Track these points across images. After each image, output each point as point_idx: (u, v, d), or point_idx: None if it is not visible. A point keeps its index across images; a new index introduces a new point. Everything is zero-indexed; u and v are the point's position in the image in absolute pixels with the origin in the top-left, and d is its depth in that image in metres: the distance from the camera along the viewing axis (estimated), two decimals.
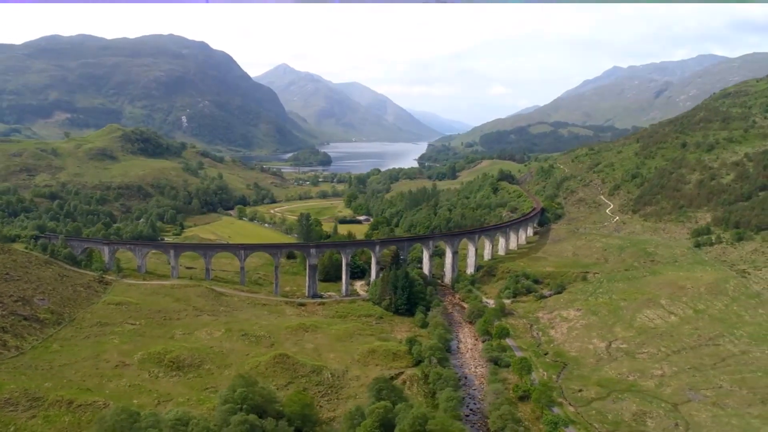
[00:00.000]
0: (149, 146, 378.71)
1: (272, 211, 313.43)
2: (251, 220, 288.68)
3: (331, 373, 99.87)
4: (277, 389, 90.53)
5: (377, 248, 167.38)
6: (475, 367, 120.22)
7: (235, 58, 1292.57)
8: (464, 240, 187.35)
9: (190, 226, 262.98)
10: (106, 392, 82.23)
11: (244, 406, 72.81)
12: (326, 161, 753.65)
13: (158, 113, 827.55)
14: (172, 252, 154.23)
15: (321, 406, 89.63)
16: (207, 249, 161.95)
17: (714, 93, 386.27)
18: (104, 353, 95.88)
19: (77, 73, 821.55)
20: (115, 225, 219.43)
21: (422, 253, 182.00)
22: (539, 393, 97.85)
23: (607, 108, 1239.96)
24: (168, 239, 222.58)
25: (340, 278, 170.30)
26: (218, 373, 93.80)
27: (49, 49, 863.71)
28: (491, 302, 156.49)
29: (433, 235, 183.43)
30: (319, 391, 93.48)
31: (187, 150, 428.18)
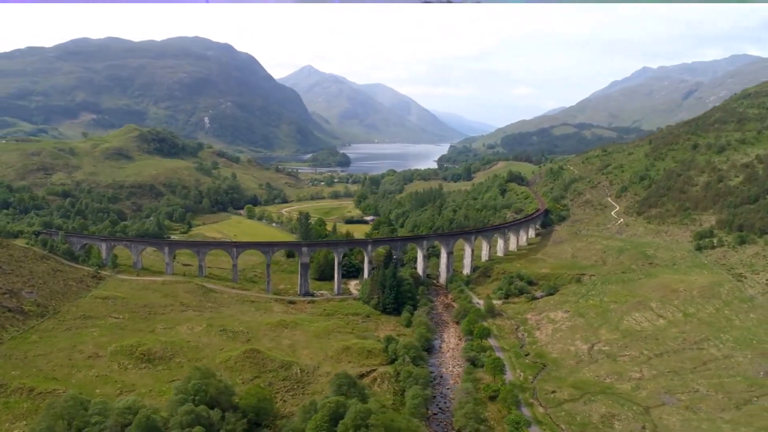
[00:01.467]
0: (165, 146, 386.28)
1: (282, 211, 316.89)
2: (259, 219, 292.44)
3: (300, 369, 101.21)
4: (243, 383, 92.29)
5: (369, 247, 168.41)
6: (453, 367, 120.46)
7: (259, 59, 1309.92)
8: (461, 241, 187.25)
9: (199, 225, 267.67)
10: (72, 382, 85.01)
11: (197, 398, 74.54)
12: (345, 162, 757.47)
13: (181, 114, 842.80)
14: (166, 249, 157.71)
15: (285, 401, 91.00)
16: (200, 246, 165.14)
17: (735, 94, 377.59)
18: (80, 345, 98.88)
19: (103, 75, 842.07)
20: (122, 223, 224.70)
21: (417, 253, 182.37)
22: (506, 393, 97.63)
23: (634, 109, 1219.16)
24: (174, 237, 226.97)
25: (329, 277, 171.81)
26: (188, 366, 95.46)
27: (77, 51, 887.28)
28: (481, 303, 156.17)
29: (428, 236, 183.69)
30: (284, 386, 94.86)
31: (203, 150, 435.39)
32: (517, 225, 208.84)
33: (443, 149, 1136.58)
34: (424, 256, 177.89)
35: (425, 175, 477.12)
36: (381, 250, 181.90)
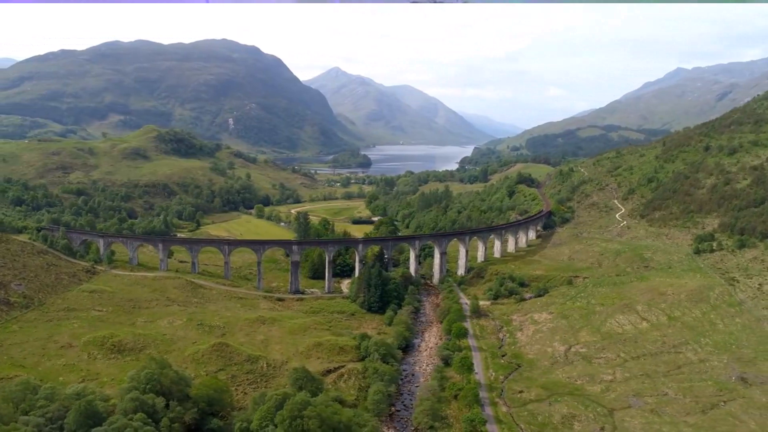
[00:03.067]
0: (182, 146, 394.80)
1: (291, 211, 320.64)
2: (268, 219, 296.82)
3: (267, 363, 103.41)
4: (207, 375, 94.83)
5: (360, 247, 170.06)
6: (427, 365, 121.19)
7: (287, 62, 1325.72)
8: (455, 241, 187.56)
9: (208, 224, 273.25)
10: (39, 369, 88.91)
11: (148, 387, 77.28)
12: (366, 163, 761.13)
13: (206, 115, 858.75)
14: (160, 245, 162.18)
15: (246, 393, 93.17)
16: (192, 243, 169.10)
17: (758, 95, 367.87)
18: (57, 335, 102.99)
19: (132, 77, 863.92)
20: (129, 220, 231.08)
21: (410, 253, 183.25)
22: (466, 391, 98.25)
23: (665, 111, 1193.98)
24: (181, 235, 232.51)
25: (323, 276, 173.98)
26: (164, 359, 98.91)
27: (108, 54, 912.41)
28: (468, 303, 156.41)
29: (420, 236, 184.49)
30: (247, 379, 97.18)
31: (221, 151, 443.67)
32: (515, 226, 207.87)
33: (468, 151, 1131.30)
34: (417, 256, 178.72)
35: (441, 177, 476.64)
36: (375, 249, 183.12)
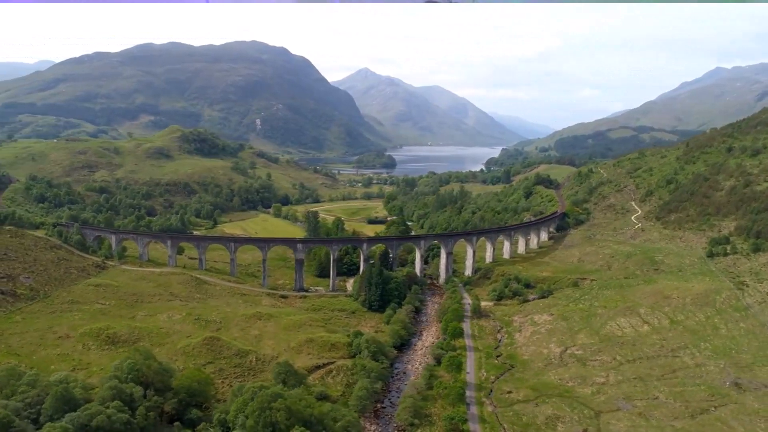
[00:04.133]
0: (205, 146, 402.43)
1: (309, 211, 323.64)
2: (285, 218, 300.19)
3: (257, 358, 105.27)
4: (195, 367, 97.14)
5: (365, 246, 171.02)
6: (420, 364, 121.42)
7: (315, 63, 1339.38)
8: (464, 242, 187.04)
9: (225, 222, 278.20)
10: (34, 358, 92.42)
11: (130, 376, 79.76)
12: (390, 164, 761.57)
13: (234, 116, 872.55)
14: (168, 242, 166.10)
15: (231, 386, 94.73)
16: (200, 240, 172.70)
17: None
18: (56, 326, 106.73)
19: (163, 79, 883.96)
20: (147, 218, 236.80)
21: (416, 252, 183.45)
22: (449, 390, 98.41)
23: (701, 112, 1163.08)
24: (197, 232, 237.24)
25: (337, 274, 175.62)
26: (149, 350, 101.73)
27: (140, 56, 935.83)
28: (470, 303, 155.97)
29: (426, 236, 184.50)
30: (234, 373, 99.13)
31: (244, 150, 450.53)
32: (525, 227, 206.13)
33: (497, 153, 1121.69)
34: (422, 256, 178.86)
35: (463, 178, 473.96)
36: (381, 248, 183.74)
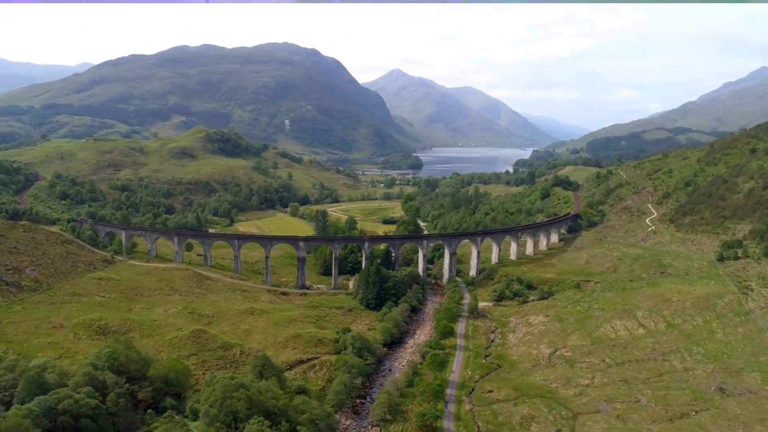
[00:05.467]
0: (228, 146, 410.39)
1: (329, 210, 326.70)
2: (301, 217, 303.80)
3: (241, 351, 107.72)
4: (179, 358, 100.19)
5: (366, 245, 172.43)
6: (408, 362, 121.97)
7: (347, 64, 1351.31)
8: (467, 242, 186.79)
9: (242, 221, 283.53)
10: (24, 346, 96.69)
11: (107, 364, 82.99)
12: (416, 165, 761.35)
13: (264, 117, 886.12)
14: (175, 239, 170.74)
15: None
16: (205, 237, 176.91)
17: None
18: (53, 316, 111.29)
19: (195, 80, 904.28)
20: (163, 216, 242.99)
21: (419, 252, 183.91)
22: (424, 387, 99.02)
23: (743, 113, 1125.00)
24: (212, 230, 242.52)
25: (340, 272, 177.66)
26: (137, 341, 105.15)
27: (173, 58, 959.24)
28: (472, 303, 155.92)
29: (429, 236, 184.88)
30: (217, 365, 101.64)
31: (268, 151, 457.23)
32: (533, 228, 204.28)
33: (528, 154, 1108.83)
34: (424, 256, 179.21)
35: (486, 179, 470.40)
36: (383, 247, 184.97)
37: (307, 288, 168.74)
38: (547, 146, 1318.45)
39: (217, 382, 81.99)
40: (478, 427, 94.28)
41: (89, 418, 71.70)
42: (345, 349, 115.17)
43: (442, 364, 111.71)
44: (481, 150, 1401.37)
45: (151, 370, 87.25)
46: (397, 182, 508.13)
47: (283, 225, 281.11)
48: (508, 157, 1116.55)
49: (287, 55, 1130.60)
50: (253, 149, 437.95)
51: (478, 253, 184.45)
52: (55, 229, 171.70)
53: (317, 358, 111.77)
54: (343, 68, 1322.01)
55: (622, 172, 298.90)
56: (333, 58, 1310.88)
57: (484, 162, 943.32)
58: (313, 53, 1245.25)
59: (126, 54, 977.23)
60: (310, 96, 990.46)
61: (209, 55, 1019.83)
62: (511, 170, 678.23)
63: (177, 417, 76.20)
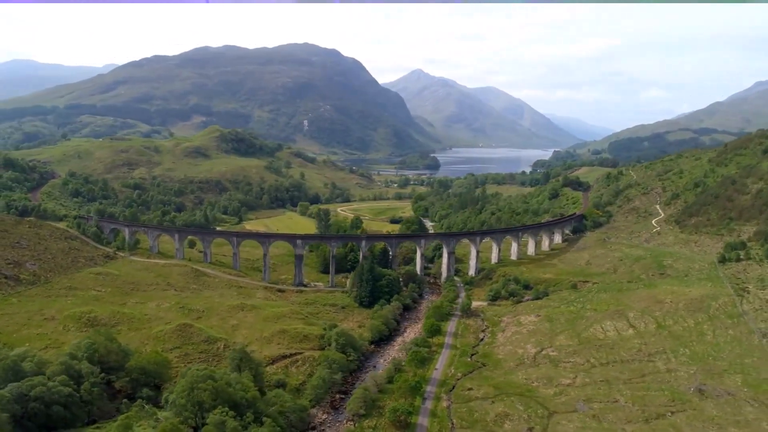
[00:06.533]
0: (242, 146, 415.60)
1: (337, 210, 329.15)
2: (310, 216, 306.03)
3: (225, 345, 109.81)
4: (162, 351, 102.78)
5: (363, 243, 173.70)
6: (391, 359, 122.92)
7: (368, 64, 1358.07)
8: (466, 241, 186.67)
9: (251, 219, 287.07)
10: (14, 336, 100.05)
11: (86, 355, 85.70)
12: (433, 165, 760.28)
13: (282, 117, 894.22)
14: (176, 235, 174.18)
15: None
16: (205, 234, 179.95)
17: None
18: (46, 309, 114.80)
19: (216, 81, 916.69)
20: (172, 214, 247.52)
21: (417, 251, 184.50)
22: (400, 384, 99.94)
23: None
24: (219, 228, 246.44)
25: (340, 270, 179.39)
26: (125, 334, 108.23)
27: (195, 59, 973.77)
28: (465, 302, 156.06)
29: (427, 235, 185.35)
30: (199, 358, 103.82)
31: (282, 150, 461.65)
32: (535, 228, 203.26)
33: (549, 155, 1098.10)
34: (422, 255, 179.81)
35: (500, 180, 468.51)
36: (380, 245, 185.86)
37: (305, 285, 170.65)
38: (569, 147, 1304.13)
39: (191, 374, 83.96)
40: (452, 423, 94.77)
41: (61, 405, 74.20)
42: (329, 345, 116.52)
43: (423, 362, 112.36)
44: (501, 151, 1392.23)
45: (129, 362, 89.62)
46: (412, 182, 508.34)
47: (291, 223, 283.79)
48: (529, 157, 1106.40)
49: (307, 56, 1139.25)
50: (267, 149, 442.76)
51: (477, 252, 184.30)
52: (62, 225, 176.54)
53: (301, 353, 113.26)
54: (363, 68, 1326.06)
55: (633, 173, 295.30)
56: (353, 59, 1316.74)
57: (505, 163, 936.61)
58: (333, 53, 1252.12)
59: (149, 55, 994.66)
60: (328, 96, 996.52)
61: (230, 56, 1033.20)
62: (528, 171, 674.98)
63: (147, 406, 78.41)
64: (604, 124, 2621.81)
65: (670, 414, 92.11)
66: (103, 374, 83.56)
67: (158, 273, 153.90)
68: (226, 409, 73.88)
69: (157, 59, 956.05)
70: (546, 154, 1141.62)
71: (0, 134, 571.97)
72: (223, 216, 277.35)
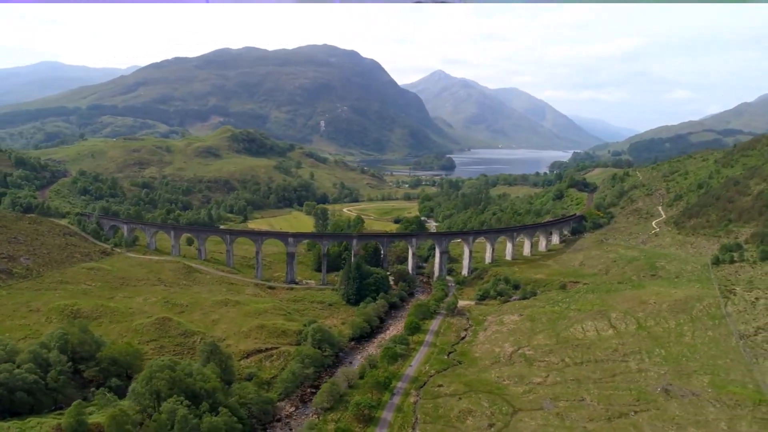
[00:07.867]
0: (254, 146, 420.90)
1: (343, 210, 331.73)
2: (315, 215, 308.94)
3: (202, 339, 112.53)
4: (139, 343, 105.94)
5: (354, 242, 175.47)
6: (367, 355, 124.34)
7: (389, 66, 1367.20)
8: (460, 241, 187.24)
9: (256, 218, 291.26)
10: None
11: (58, 344, 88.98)
12: (449, 166, 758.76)
13: (300, 118, 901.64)
14: (172, 233, 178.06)
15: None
16: (200, 232, 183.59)
17: None
18: (33, 301, 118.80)
19: (234, 82, 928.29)
20: (177, 212, 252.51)
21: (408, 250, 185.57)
22: (367, 379, 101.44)
23: None
24: (224, 227, 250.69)
25: (335, 268, 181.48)
26: (105, 326, 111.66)
27: (215, 60, 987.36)
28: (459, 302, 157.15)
29: (418, 234, 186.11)
30: (174, 350, 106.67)
31: (293, 151, 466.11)
32: (530, 229, 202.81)
33: (569, 156, 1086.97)
34: (414, 254, 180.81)
35: (511, 181, 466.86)
36: (373, 244, 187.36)
37: (296, 283, 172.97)
38: (590, 148, 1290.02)
39: (154, 364, 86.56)
40: (416, 418, 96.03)
41: (25, 392, 77.31)
42: (305, 340, 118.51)
43: (395, 358, 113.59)
44: (521, 152, 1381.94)
45: (103, 353, 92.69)
46: (423, 183, 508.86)
47: (295, 222, 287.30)
48: (549, 159, 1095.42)
49: (325, 57, 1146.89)
50: (278, 149, 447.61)
51: (470, 252, 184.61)
52: (63, 222, 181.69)
53: (277, 348, 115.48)
54: (382, 69, 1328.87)
55: (639, 174, 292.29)
56: (372, 60, 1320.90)
57: (523, 164, 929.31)
58: (352, 54, 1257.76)
59: (171, 57, 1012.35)
60: (346, 97, 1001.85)
61: (249, 57, 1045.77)
62: (542, 172, 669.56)
63: (109, 395, 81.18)
64: (629, 125, 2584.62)
65: (633, 413, 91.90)
66: (71, 363, 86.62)
67: (150, 269, 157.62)
68: (182, 398, 76.14)
69: (177, 61, 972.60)
70: (566, 156, 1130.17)
71: (23, 134, 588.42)
72: (229, 215, 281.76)
